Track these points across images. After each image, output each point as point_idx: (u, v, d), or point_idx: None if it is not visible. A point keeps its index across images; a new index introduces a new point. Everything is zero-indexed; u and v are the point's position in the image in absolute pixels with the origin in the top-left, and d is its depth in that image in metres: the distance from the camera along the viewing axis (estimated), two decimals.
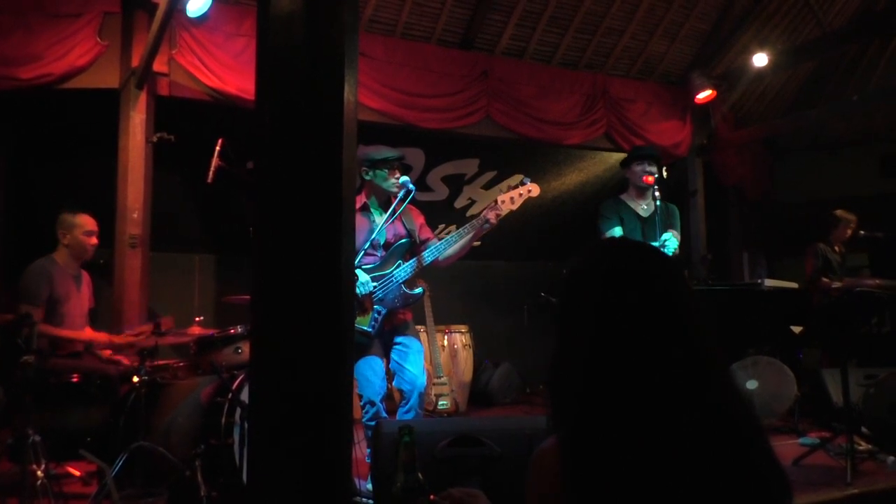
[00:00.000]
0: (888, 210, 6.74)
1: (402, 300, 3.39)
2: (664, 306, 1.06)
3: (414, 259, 3.41)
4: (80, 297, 3.92)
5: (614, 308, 1.06)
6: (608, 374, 1.01)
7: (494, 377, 6.46)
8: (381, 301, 3.33)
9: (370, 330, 3.32)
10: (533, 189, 3.48)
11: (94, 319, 4.26)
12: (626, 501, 0.94)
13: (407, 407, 3.31)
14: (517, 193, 3.43)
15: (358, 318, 3.28)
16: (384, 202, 3.52)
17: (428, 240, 3.53)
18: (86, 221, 3.88)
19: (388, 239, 3.46)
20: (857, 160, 7.83)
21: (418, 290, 3.46)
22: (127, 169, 4.50)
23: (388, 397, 3.39)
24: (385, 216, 3.42)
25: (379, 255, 3.43)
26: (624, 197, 4.23)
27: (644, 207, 4.14)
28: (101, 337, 3.79)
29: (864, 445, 3.81)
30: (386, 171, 3.47)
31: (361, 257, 3.36)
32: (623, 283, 1.08)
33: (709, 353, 1.04)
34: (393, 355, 3.41)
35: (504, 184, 6.70)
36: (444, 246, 3.40)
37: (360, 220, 3.44)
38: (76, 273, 3.92)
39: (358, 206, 3.51)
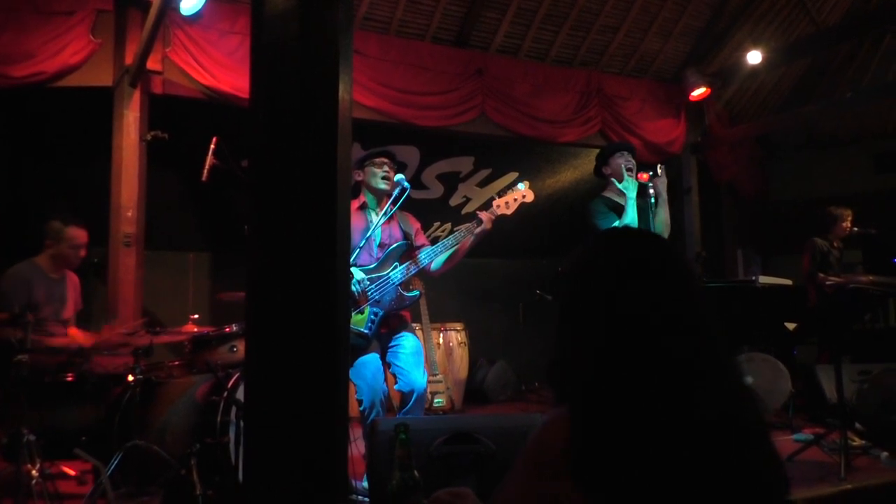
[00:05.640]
0: (882, 207, 6.77)
1: (398, 302, 3.39)
2: (675, 294, 1.07)
3: (410, 261, 3.42)
4: (63, 302, 3.87)
5: (626, 297, 1.06)
6: (620, 362, 1.02)
7: (490, 375, 6.47)
8: (377, 303, 3.33)
9: (366, 331, 3.31)
10: (528, 195, 3.47)
11: (89, 319, 4.25)
12: (632, 483, 0.95)
13: (405, 410, 3.30)
14: (512, 198, 3.44)
15: (354, 319, 3.28)
16: (381, 201, 3.52)
17: (423, 246, 3.53)
18: (75, 235, 3.81)
19: (382, 240, 3.45)
20: (851, 157, 7.86)
21: (414, 293, 3.46)
22: (121, 167, 4.49)
23: (387, 399, 3.37)
24: (384, 211, 3.42)
25: (375, 255, 3.43)
26: (610, 195, 4.04)
27: (621, 205, 4.06)
28: (72, 341, 3.71)
29: (857, 441, 3.83)
30: (373, 166, 3.48)
31: (358, 256, 3.35)
32: (634, 272, 1.09)
33: (716, 342, 1.05)
34: (391, 358, 3.39)
35: (500, 181, 6.71)
36: (441, 248, 3.40)
37: (357, 217, 3.45)
38: (58, 277, 3.87)
39: (357, 205, 3.52)
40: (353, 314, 3.26)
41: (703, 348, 1.04)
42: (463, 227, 3.42)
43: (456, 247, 3.40)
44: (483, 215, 3.36)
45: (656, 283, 1.08)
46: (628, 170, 3.94)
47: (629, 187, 3.88)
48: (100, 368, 3.56)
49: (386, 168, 3.49)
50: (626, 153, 4.05)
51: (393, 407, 3.61)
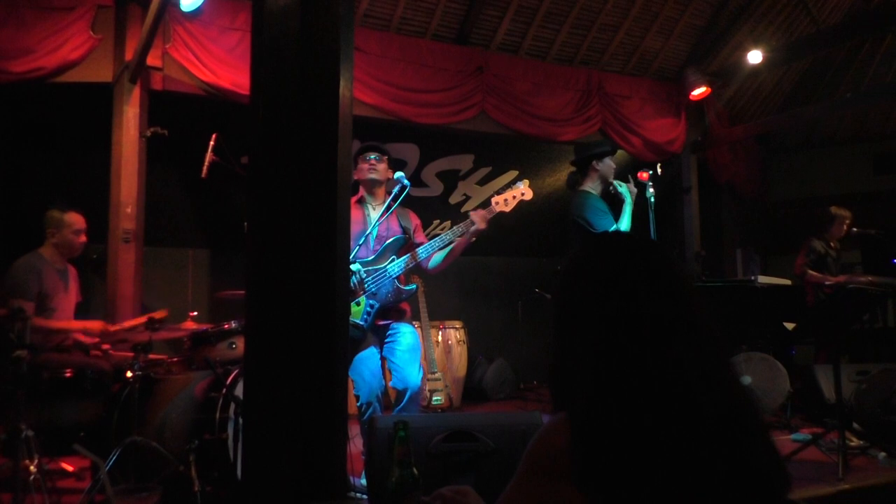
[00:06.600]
0: (881, 207, 6.79)
1: (395, 295, 3.39)
2: (670, 296, 1.07)
3: (408, 255, 3.42)
4: (68, 292, 3.93)
5: (621, 299, 1.07)
6: (617, 365, 1.02)
7: (488, 373, 6.47)
8: (373, 295, 3.34)
9: (362, 323, 3.31)
10: (527, 193, 3.47)
11: (87, 315, 4.24)
12: (634, 484, 0.96)
13: (399, 408, 3.30)
14: (511, 195, 3.44)
15: (351, 310, 3.28)
16: (375, 194, 3.54)
17: (421, 243, 3.54)
18: (75, 220, 3.87)
19: (380, 233, 3.45)
20: (851, 158, 7.87)
21: (412, 286, 3.47)
22: (120, 163, 4.48)
23: (384, 394, 3.37)
24: (380, 210, 3.43)
25: (372, 248, 3.43)
26: (595, 192, 4.02)
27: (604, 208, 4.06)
28: (95, 325, 3.79)
29: (855, 441, 3.83)
30: (360, 161, 3.52)
31: (357, 251, 3.35)
32: (628, 275, 1.09)
33: (713, 343, 1.06)
34: (387, 353, 3.40)
35: (499, 179, 6.72)
36: (438, 244, 3.40)
37: (355, 211, 3.46)
38: (63, 268, 3.92)
39: (355, 199, 3.55)
40: None
41: (700, 349, 1.05)
42: (459, 224, 3.42)
43: (452, 244, 3.40)
44: (476, 216, 3.36)
45: (651, 285, 1.08)
46: (611, 179, 4.01)
47: (628, 195, 3.91)
48: (105, 363, 3.57)
49: (371, 160, 3.50)
50: (611, 157, 4.09)
51: (391, 403, 3.61)
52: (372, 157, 3.50)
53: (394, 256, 3.41)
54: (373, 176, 3.48)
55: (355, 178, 3.56)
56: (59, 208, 3.87)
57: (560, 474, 1.00)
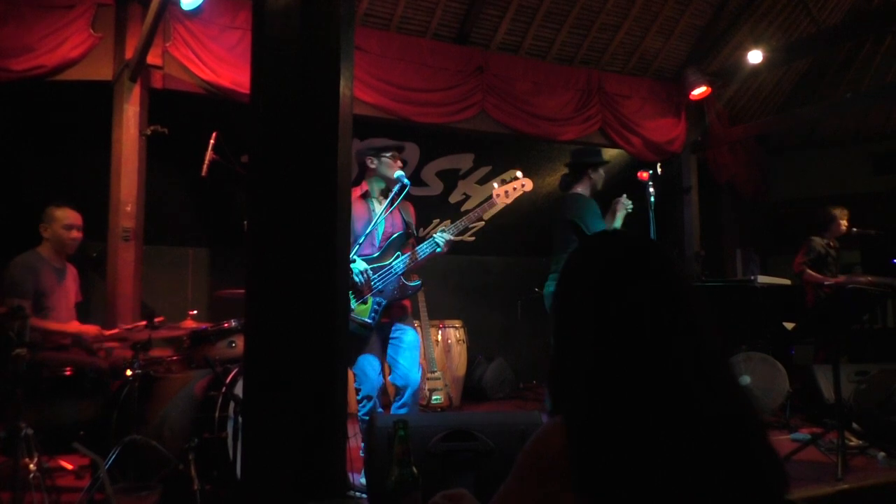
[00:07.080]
0: (881, 208, 6.79)
1: (400, 292, 3.42)
2: (670, 298, 1.07)
3: (409, 253, 3.43)
4: (65, 291, 3.91)
5: (621, 301, 1.07)
6: (615, 365, 1.02)
7: (488, 372, 6.48)
8: (380, 293, 3.35)
9: (370, 321, 3.33)
10: (527, 184, 3.56)
11: (87, 313, 4.25)
12: (633, 486, 0.96)
13: (400, 403, 3.32)
14: (511, 188, 3.54)
15: (358, 309, 3.30)
16: (383, 191, 3.55)
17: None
18: (66, 215, 3.85)
19: (386, 229, 3.49)
20: (851, 158, 7.87)
21: (416, 283, 3.50)
22: (120, 162, 4.48)
23: (383, 392, 3.39)
24: (384, 206, 3.45)
25: (377, 244, 3.45)
26: (588, 195, 4.10)
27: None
28: (91, 329, 3.78)
29: (854, 441, 3.84)
30: (389, 158, 3.52)
31: (359, 247, 3.36)
32: (628, 276, 1.09)
33: (711, 343, 1.06)
34: (390, 350, 3.42)
35: (499, 178, 6.72)
36: (446, 236, 3.42)
37: (360, 206, 3.48)
38: (60, 266, 3.91)
39: (359, 193, 3.55)
40: (356, 304, 3.29)
41: (699, 349, 1.04)
42: (428, 242, 3.42)
43: (428, 255, 3.41)
44: (443, 239, 3.37)
45: (650, 285, 1.08)
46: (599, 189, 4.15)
47: (620, 220, 4.01)
48: (104, 361, 3.57)
49: (399, 162, 3.56)
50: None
51: (389, 402, 3.63)
52: (399, 161, 3.54)
53: (398, 253, 3.44)
54: (399, 174, 3.48)
55: (372, 166, 3.55)
56: (56, 204, 3.87)
57: (556, 477, 1.00)
